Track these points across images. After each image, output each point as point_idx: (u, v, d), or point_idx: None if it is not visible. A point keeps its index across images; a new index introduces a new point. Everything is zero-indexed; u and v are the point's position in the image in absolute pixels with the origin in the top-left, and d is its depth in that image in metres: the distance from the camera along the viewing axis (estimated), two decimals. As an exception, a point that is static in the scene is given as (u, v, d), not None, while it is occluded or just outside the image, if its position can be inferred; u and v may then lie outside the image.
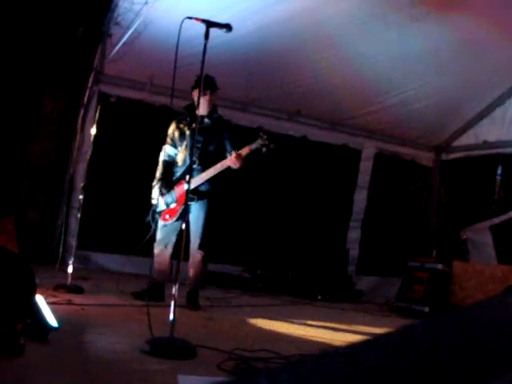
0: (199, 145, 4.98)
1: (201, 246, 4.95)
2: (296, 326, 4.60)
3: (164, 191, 5.06)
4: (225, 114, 7.45)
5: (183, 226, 3.46)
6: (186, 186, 4.75)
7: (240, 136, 5.38)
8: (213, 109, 5.19)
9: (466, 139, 8.18)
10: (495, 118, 7.58)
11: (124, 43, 6.24)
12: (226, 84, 6.97)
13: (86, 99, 6.83)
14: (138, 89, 7.01)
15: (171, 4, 5.52)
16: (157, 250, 5.12)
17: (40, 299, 2.99)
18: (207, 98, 5.04)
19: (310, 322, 4.85)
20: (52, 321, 2.94)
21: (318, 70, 6.72)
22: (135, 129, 7.13)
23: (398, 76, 6.74)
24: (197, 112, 4.19)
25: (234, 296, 6.07)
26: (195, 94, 4.97)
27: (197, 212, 4.95)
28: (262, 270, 7.35)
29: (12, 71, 6.35)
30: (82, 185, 5.66)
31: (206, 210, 4.99)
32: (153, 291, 4.86)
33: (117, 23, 6.13)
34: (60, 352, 2.75)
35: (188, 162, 4.85)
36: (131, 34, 6.06)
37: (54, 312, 3.04)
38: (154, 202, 5.12)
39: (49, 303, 3.15)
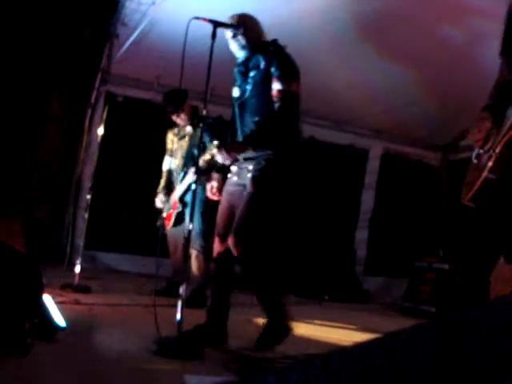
0: (183, 153, 5.25)
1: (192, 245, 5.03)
2: (303, 325, 4.59)
3: (164, 199, 5.35)
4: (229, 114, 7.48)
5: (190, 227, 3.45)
6: (175, 195, 5.27)
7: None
8: (193, 115, 5.29)
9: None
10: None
11: (131, 43, 6.25)
12: (231, 85, 6.97)
13: (93, 99, 6.85)
14: (145, 89, 7.03)
15: (178, 4, 5.52)
16: (170, 252, 5.35)
17: (47, 299, 3.00)
18: (174, 117, 5.27)
19: (316, 322, 4.84)
20: (59, 320, 2.95)
21: (324, 70, 6.70)
22: (142, 128, 7.15)
23: (406, 76, 6.72)
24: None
25: (239, 295, 6.06)
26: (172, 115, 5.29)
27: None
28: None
29: (19, 72, 6.37)
30: (89, 185, 5.69)
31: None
32: (171, 289, 4.99)
33: (123, 24, 6.15)
34: (67, 351, 2.76)
35: (179, 169, 5.34)
36: (138, 34, 6.07)
37: (62, 311, 3.05)
38: (160, 208, 5.42)
39: (56, 303, 3.16)
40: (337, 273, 7.46)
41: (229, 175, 3.46)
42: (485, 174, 2.32)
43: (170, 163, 5.49)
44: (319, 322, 4.90)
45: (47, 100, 6.77)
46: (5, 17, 6.10)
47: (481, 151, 2.40)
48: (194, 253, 5.02)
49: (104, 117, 5.57)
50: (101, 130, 5.53)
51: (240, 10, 5.58)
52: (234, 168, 3.42)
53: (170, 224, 5.30)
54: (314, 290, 7.05)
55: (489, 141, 2.35)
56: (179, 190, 5.19)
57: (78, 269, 4.97)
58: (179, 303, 3.07)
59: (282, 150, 3.31)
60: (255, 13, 5.71)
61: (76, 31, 6.48)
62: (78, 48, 6.56)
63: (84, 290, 4.80)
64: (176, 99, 5.14)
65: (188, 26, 3.32)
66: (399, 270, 7.71)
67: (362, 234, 8.34)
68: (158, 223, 5.40)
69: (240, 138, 3.41)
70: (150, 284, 5.09)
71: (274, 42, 3.59)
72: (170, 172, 5.48)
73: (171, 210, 5.29)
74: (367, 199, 8.41)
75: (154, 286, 4.55)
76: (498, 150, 2.27)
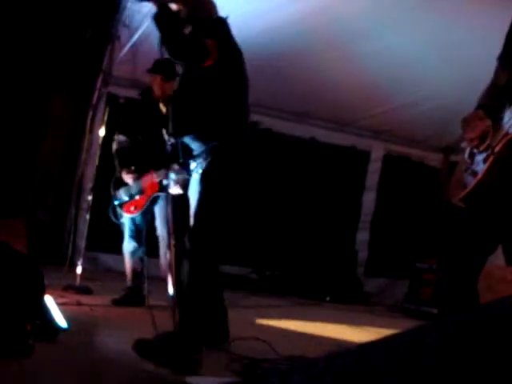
0: (154, 131, 4.54)
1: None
2: (304, 326, 4.59)
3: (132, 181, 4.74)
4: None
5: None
6: (155, 177, 4.57)
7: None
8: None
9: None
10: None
11: (132, 45, 6.26)
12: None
13: (94, 101, 6.85)
14: (147, 90, 7.02)
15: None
16: (130, 247, 4.73)
17: (49, 300, 3.00)
18: (158, 82, 4.69)
19: (318, 323, 4.84)
20: (61, 321, 2.95)
21: (326, 70, 6.70)
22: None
23: (407, 77, 6.72)
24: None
25: (241, 297, 6.07)
26: (151, 78, 4.77)
27: (165, 206, 4.39)
28: (270, 271, 7.34)
29: (21, 73, 6.38)
30: (90, 186, 5.69)
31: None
32: (133, 297, 4.57)
33: (125, 25, 6.15)
34: (69, 352, 2.76)
35: (153, 151, 4.65)
36: (139, 35, 6.08)
37: (63, 312, 3.05)
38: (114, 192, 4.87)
39: (58, 304, 3.16)
40: (338, 274, 7.45)
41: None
42: (480, 175, 2.29)
43: (119, 142, 4.89)
44: (320, 323, 4.90)
45: (49, 101, 6.78)
46: (7, 17, 6.11)
47: (475, 150, 2.37)
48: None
49: (105, 118, 5.57)
50: (102, 131, 5.53)
51: (241, 11, 5.60)
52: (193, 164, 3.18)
53: (138, 210, 4.67)
54: (315, 291, 7.04)
55: (485, 141, 2.31)
56: (161, 174, 4.50)
57: (79, 270, 4.98)
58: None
59: (228, 138, 3.06)
60: (258, 14, 5.73)
61: (78, 32, 6.48)
62: (79, 49, 6.57)
63: (85, 291, 4.80)
64: (169, 66, 4.52)
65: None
66: (401, 271, 7.70)
67: (363, 236, 8.33)
68: (108, 212, 4.84)
69: (170, 121, 3.23)
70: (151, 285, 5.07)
71: (218, 18, 3.29)
72: (122, 151, 4.86)
73: (138, 196, 4.68)
74: (368, 201, 8.40)
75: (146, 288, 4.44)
76: (497, 150, 2.24)
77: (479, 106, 2.40)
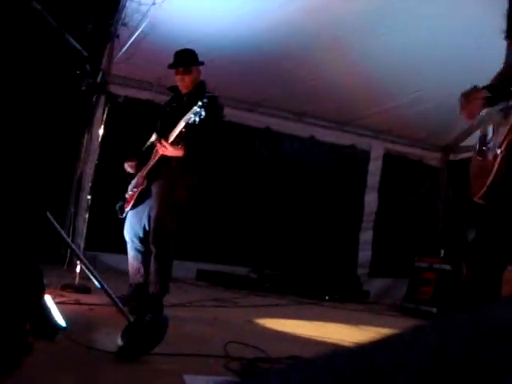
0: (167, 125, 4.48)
1: (153, 242, 4.25)
2: (303, 326, 4.59)
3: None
4: (232, 113, 7.49)
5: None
6: (143, 170, 4.51)
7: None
8: (197, 87, 4.43)
9: (474, 139, 8.11)
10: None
11: (131, 44, 6.26)
12: (233, 84, 6.98)
13: (93, 100, 6.84)
14: (146, 89, 7.03)
15: (178, 5, 5.53)
16: (128, 243, 4.58)
17: (48, 299, 2.99)
18: (179, 76, 4.42)
19: (317, 322, 4.84)
20: (60, 320, 2.95)
21: (326, 70, 6.71)
22: (143, 129, 7.13)
23: (406, 76, 6.72)
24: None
25: (241, 296, 6.07)
26: (174, 73, 4.49)
27: (152, 201, 4.33)
28: (269, 270, 7.34)
29: (19, 70, 6.37)
30: (89, 185, 5.68)
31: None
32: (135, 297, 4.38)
33: (124, 24, 6.15)
34: (67, 352, 2.75)
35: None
36: (138, 34, 6.08)
37: (62, 312, 3.05)
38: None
39: (57, 303, 3.16)
40: (337, 273, 7.46)
41: None
42: (493, 173, 2.29)
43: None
44: (320, 322, 4.89)
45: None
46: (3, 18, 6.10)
47: (484, 148, 2.37)
48: (153, 253, 4.29)
49: (104, 117, 5.56)
50: (101, 130, 5.53)
51: (241, 11, 5.59)
52: None
53: (128, 206, 4.53)
54: (315, 290, 7.04)
55: (494, 134, 2.30)
56: (149, 164, 4.47)
57: (78, 269, 4.97)
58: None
59: None
60: (258, 13, 5.73)
61: (77, 31, 6.46)
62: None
63: (84, 290, 4.80)
64: (187, 56, 4.39)
65: None
66: (404, 271, 7.70)
67: (366, 236, 8.33)
68: (117, 206, 4.67)
69: None
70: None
71: None
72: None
73: (135, 189, 4.54)
74: (370, 200, 8.40)
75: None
76: (503, 147, 2.24)
77: (483, 87, 2.41)
